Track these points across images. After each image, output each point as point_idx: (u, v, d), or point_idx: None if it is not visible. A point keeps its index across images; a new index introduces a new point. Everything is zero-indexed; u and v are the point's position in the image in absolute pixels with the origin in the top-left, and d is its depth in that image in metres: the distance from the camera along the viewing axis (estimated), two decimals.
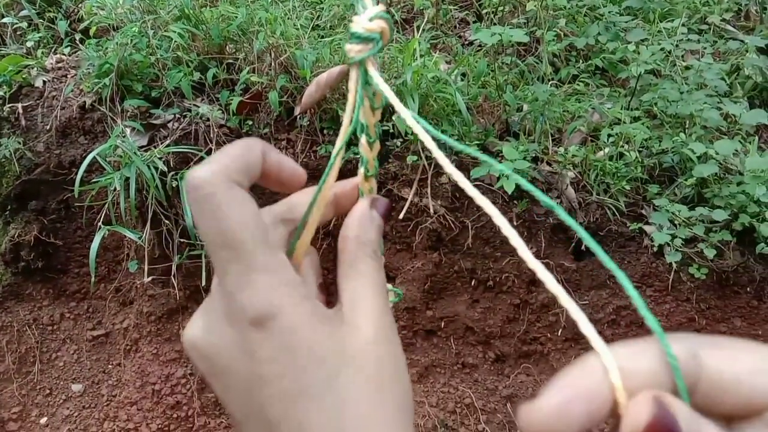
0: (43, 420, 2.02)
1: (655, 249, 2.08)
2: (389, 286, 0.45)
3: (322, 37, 2.29)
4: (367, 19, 0.37)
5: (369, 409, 0.34)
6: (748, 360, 0.28)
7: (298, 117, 2.04)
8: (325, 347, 0.34)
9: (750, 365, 0.28)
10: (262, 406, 0.34)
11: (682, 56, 2.62)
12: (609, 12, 2.56)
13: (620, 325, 2.17)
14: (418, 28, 2.57)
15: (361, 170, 0.41)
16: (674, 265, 2.05)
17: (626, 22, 2.50)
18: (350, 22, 0.38)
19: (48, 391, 2.07)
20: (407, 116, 0.37)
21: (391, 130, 2.01)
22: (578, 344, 2.18)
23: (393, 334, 0.38)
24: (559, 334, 2.15)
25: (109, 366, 2.12)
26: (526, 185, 0.34)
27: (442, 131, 2.05)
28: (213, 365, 0.36)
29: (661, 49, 2.32)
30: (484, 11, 2.77)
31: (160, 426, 2.00)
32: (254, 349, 0.34)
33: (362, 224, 0.40)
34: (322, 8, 2.55)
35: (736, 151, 2.12)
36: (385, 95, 0.38)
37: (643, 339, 0.29)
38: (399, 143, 2.02)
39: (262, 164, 0.37)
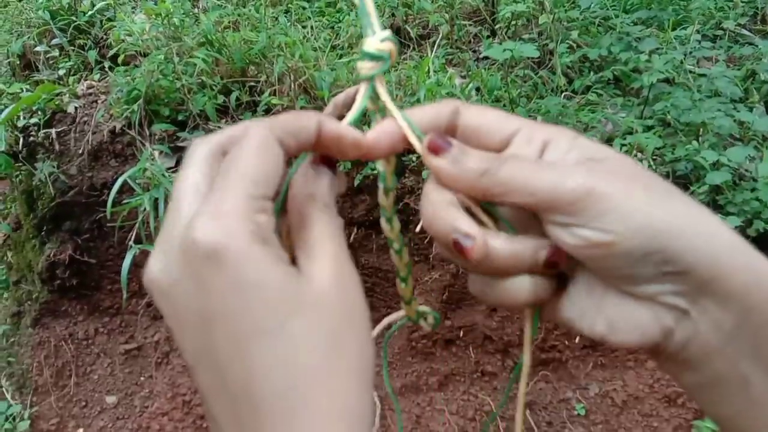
0: (80, 431, 2.11)
1: None
2: (427, 308, 0.50)
3: (341, 56, 2.37)
4: (379, 40, 0.42)
5: (323, 358, 0.34)
6: (491, 115, 0.42)
7: None
8: (279, 291, 0.33)
9: (491, 118, 0.42)
10: (212, 346, 0.34)
11: (697, 63, 2.64)
12: (621, 22, 2.60)
13: None
14: (434, 44, 2.64)
15: (381, 186, 0.46)
16: None
17: (639, 31, 2.54)
18: (362, 43, 0.43)
19: (84, 403, 2.17)
20: (398, 116, 0.43)
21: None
22: (596, 351, 2.22)
23: (351, 283, 0.37)
24: (576, 341, 2.18)
25: (141, 378, 2.21)
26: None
27: None
28: (170, 303, 0.35)
29: (674, 58, 2.35)
30: (498, 26, 2.83)
31: None
32: (206, 283, 0.33)
33: (307, 179, 0.40)
34: (340, 28, 2.63)
35: (751, 157, 2.14)
36: (384, 105, 0.44)
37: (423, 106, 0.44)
38: (415, 158, 2.08)
39: (315, 132, 0.39)
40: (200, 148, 0.38)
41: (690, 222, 0.36)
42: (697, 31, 2.69)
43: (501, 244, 0.39)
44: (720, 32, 2.87)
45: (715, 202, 2.15)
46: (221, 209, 0.33)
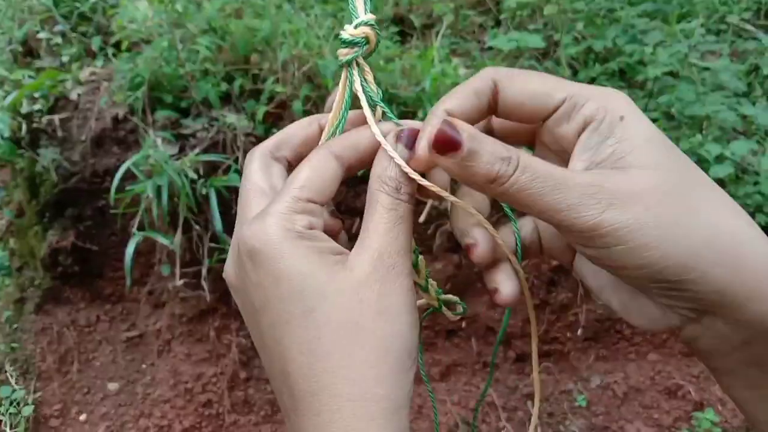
0: (83, 417, 2.12)
1: None
2: (455, 298, 0.49)
3: None
4: (353, 26, 0.43)
5: (342, 346, 0.35)
6: (535, 85, 0.40)
7: None
8: (307, 279, 0.36)
9: (535, 88, 0.40)
10: (262, 333, 0.38)
11: (701, 56, 2.64)
12: (627, 14, 2.59)
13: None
14: (438, 33, 2.63)
15: (365, 104, 0.45)
16: None
17: (644, 23, 2.53)
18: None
19: (86, 390, 2.17)
20: (365, 106, 0.44)
21: None
22: (598, 343, 2.22)
23: (390, 277, 0.38)
24: (578, 333, 2.19)
25: (143, 366, 2.21)
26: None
27: None
28: (236, 296, 0.41)
29: (679, 51, 2.34)
30: (503, 16, 2.82)
31: (192, 423, 2.08)
32: (250, 278, 0.37)
33: (380, 160, 0.41)
34: (343, 16, 2.62)
35: (754, 151, 2.15)
36: (365, 93, 0.44)
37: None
38: None
39: (372, 144, 0.43)
40: (255, 154, 0.44)
41: (707, 253, 0.34)
42: (702, 25, 2.69)
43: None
44: (724, 26, 2.86)
45: None
46: (266, 213, 0.38)
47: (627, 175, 0.36)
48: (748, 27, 2.93)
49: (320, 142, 0.45)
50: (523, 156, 0.37)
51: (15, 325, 2.29)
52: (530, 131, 0.44)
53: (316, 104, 2.12)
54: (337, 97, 0.45)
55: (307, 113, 2.10)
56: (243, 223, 0.39)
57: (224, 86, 2.17)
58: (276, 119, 2.14)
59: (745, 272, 0.34)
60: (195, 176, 1.98)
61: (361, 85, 0.44)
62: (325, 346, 0.35)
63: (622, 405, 2.12)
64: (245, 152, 2.07)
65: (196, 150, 2.07)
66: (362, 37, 0.43)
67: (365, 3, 0.43)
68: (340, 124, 0.45)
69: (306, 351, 0.36)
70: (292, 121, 1.83)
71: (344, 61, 0.44)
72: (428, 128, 0.39)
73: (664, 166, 0.36)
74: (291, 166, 0.45)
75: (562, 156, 0.41)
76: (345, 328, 0.36)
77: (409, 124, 0.42)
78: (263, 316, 0.37)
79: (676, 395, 2.11)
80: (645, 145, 0.36)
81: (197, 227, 2.04)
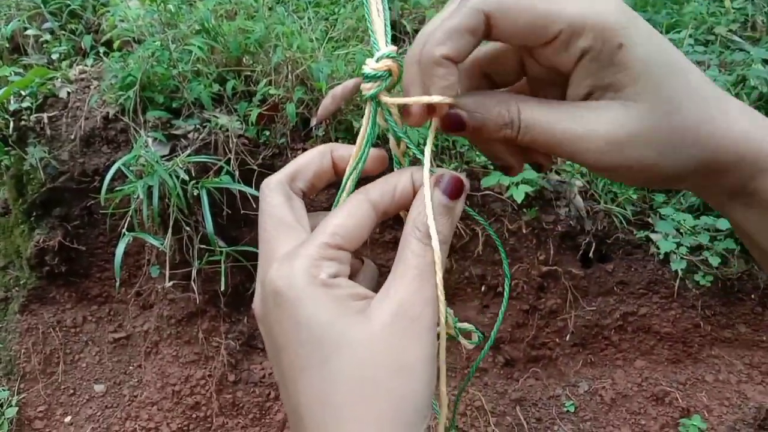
0: (68, 419, 2.09)
1: (661, 257, 2.13)
2: (469, 325, 0.48)
3: (336, 49, 2.36)
4: (375, 60, 0.43)
5: (355, 400, 0.35)
6: (528, 14, 0.38)
7: (314, 128, 2.10)
8: (325, 328, 0.36)
9: (528, 19, 0.38)
10: (282, 371, 0.38)
11: None
12: None
13: (627, 331, 2.22)
14: None
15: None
16: (680, 273, 2.10)
17: None
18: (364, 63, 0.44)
19: (72, 391, 2.14)
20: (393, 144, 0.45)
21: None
22: (586, 349, 2.24)
23: (411, 332, 0.36)
24: (567, 339, 2.20)
25: (130, 367, 2.19)
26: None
27: (453, 141, 2.11)
28: (262, 330, 0.41)
29: None
30: None
31: (179, 425, 2.06)
32: (273, 316, 0.38)
33: (416, 205, 0.40)
34: (336, 20, 2.62)
35: None
36: (393, 128, 0.44)
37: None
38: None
39: (331, 161, 0.46)
40: (271, 185, 0.43)
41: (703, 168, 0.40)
42: (690, 36, 2.73)
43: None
44: (712, 37, 2.90)
45: (706, 204, 2.18)
46: (295, 254, 0.38)
47: (627, 111, 0.38)
48: (735, 38, 2.97)
49: (344, 178, 0.45)
50: (524, 112, 0.39)
51: None
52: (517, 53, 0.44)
53: (308, 106, 2.11)
54: (361, 131, 0.45)
55: (299, 116, 2.10)
56: (271, 260, 0.39)
57: (216, 87, 2.16)
58: (268, 121, 2.13)
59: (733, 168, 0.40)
60: (186, 177, 1.97)
61: (386, 119, 0.44)
62: (337, 398, 0.35)
63: (610, 411, 2.13)
64: (237, 153, 2.06)
65: (188, 151, 2.06)
66: (385, 71, 0.43)
67: (386, 35, 0.44)
68: (362, 159, 0.45)
69: (318, 400, 0.36)
70: (285, 123, 1.81)
71: (367, 95, 0.43)
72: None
73: (663, 95, 0.38)
74: (305, 197, 0.45)
75: (554, 70, 0.41)
76: (358, 383, 0.35)
77: (441, 171, 0.42)
78: (283, 355, 0.38)
79: (663, 402, 2.13)
80: (643, 75, 0.38)
81: (187, 228, 2.03)
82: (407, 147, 0.45)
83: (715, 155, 0.39)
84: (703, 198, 0.45)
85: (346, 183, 0.45)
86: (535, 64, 0.42)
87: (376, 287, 0.40)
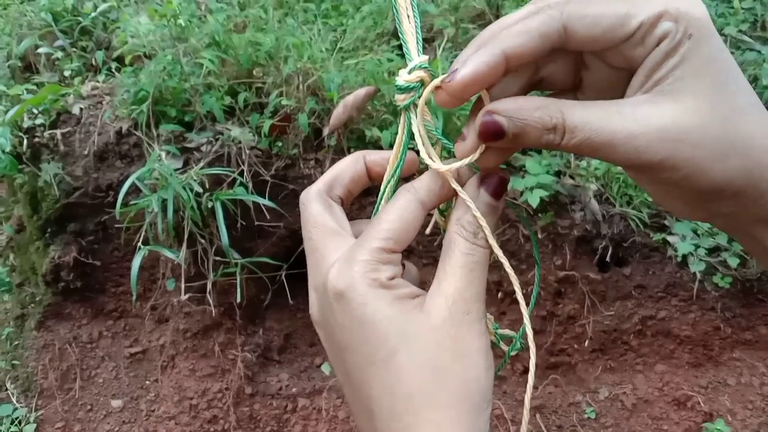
0: None
1: (679, 259, 2.11)
2: (512, 333, 0.50)
3: (345, 59, 2.36)
4: (407, 71, 0.44)
5: (424, 389, 0.37)
6: (609, 17, 0.37)
7: (326, 137, 2.10)
8: (389, 324, 0.38)
9: (608, 22, 0.37)
10: (348, 371, 0.40)
11: None
12: None
13: (646, 335, 2.19)
14: (439, 46, 2.64)
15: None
16: (698, 275, 2.08)
17: None
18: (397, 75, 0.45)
19: (89, 407, 2.14)
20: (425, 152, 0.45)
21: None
22: (605, 355, 2.21)
23: (466, 322, 0.39)
24: (585, 345, 2.18)
25: (147, 382, 2.18)
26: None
27: None
28: (322, 334, 0.43)
29: None
30: None
31: None
32: (336, 318, 0.40)
33: (460, 204, 0.42)
34: (344, 31, 2.62)
35: None
36: (427, 134, 0.45)
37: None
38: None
39: (365, 167, 0.47)
40: (310, 195, 0.45)
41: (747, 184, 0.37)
42: None
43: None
44: (722, 38, 2.89)
45: None
46: (352, 259, 0.40)
47: (681, 105, 0.36)
48: (746, 38, 2.96)
49: (382, 186, 0.47)
50: (569, 117, 0.37)
51: (16, 342, 2.26)
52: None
53: (320, 116, 2.11)
54: (396, 141, 0.46)
55: (312, 126, 2.10)
56: (323, 266, 0.41)
57: (228, 100, 2.16)
58: (281, 132, 2.13)
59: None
60: (200, 190, 1.97)
61: (424, 125, 0.45)
62: (406, 388, 0.38)
63: (631, 416, 2.10)
64: (250, 165, 2.06)
65: (201, 164, 2.06)
66: (417, 82, 0.43)
67: (418, 45, 0.44)
68: (399, 166, 0.46)
69: (388, 392, 0.38)
70: (297, 134, 1.81)
71: (402, 106, 0.45)
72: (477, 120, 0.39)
73: (717, 97, 0.36)
74: (343, 205, 0.47)
75: (618, 72, 0.40)
76: (425, 371, 0.38)
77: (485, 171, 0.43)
78: (348, 356, 0.40)
79: (685, 406, 2.10)
80: (703, 71, 0.36)
81: (202, 241, 2.03)
82: (442, 147, 0.46)
83: (762, 171, 0.37)
84: (730, 227, 0.42)
85: (384, 191, 0.47)
86: (602, 67, 0.41)
87: (420, 286, 0.43)
